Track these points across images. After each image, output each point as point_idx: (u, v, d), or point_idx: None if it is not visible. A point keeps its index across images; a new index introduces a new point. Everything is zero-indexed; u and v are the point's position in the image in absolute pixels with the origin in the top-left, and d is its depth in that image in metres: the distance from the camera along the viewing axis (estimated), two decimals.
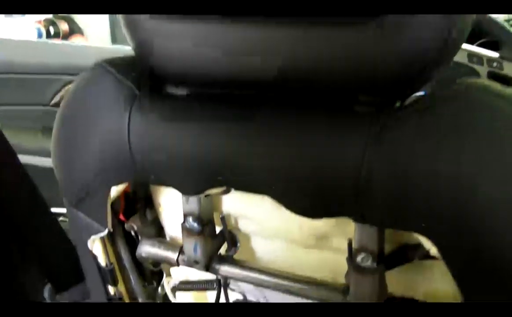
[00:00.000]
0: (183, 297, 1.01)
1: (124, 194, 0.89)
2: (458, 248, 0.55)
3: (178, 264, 0.85)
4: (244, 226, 0.83)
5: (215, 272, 0.83)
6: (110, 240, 0.95)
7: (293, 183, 0.61)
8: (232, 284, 0.91)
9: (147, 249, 0.91)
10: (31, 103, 2.04)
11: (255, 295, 0.93)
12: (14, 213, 1.00)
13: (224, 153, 0.65)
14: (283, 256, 0.82)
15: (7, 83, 2.04)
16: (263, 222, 0.79)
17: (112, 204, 0.84)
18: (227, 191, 0.78)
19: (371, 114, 0.57)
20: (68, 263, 1.07)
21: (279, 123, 0.61)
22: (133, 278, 0.99)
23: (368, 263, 0.67)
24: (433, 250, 0.59)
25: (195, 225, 0.80)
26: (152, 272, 1.06)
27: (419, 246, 0.67)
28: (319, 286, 0.75)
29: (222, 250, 0.85)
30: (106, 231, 0.84)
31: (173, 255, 0.86)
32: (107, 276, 0.94)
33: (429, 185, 0.53)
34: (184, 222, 0.81)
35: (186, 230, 0.81)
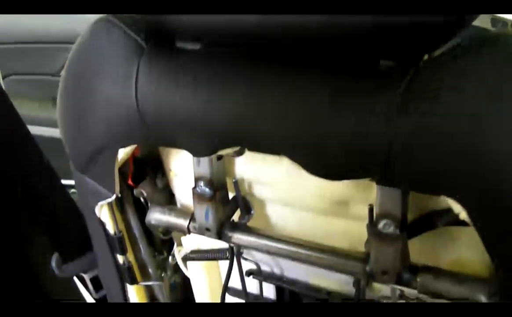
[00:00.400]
0: (194, 267, 1.00)
1: (133, 158, 0.87)
2: (490, 212, 0.53)
3: (189, 232, 0.83)
4: (258, 191, 0.80)
5: (227, 240, 0.81)
6: (118, 207, 0.93)
7: (312, 143, 0.58)
8: (246, 253, 0.90)
9: (157, 215, 0.87)
10: (40, 73, 2.01)
11: (269, 265, 0.92)
12: (23, 183, 0.98)
13: (238, 111, 0.62)
14: (299, 224, 0.80)
15: (15, 53, 2.01)
16: (278, 187, 0.76)
17: (121, 169, 0.82)
18: (240, 152, 0.74)
19: (399, 68, 0.53)
20: (76, 233, 1.06)
21: (298, 79, 0.58)
22: (142, 247, 0.99)
23: (391, 229, 0.64)
24: (463, 215, 0.56)
25: (207, 189, 0.77)
26: (163, 241, 1.04)
27: (446, 212, 0.66)
28: (338, 255, 0.73)
29: (235, 217, 0.83)
30: (113, 197, 0.82)
31: (184, 222, 0.83)
32: (116, 244, 0.92)
33: (464, 144, 0.50)
34: (195, 186, 0.78)
35: (197, 195, 0.78)
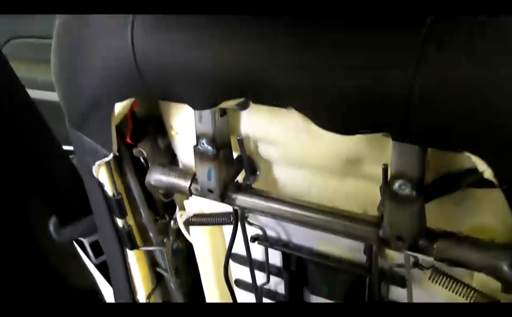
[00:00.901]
0: (197, 232, 0.98)
1: (133, 116, 0.85)
2: None
3: (190, 194, 0.80)
4: (264, 150, 0.78)
5: (231, 202, 0.78)
6: (117, 168, 0.91)
7: (327, 93, 0.54)
8: (251, 218, 0.88)
9: (157, 176, 0.84)
10: (46, 36, 1.98)
11: (276, 230, 0.90)
12: (22, 146, 1.00)
13: (244, 57, 0.58)
14: (308, 186, 0.77)
15: (18, 16, 2.00)
16: (286, 145, 0.73)
17: (119, 127, 0.81)
18: (244, 105, 0.70)
19: (418, 19, 0.50)
20: (74, 196, 1.07)
21: (314, 27, 0.54)
22: (142, 210, 0.98)
23: (407, 191, 0.60)
24: (488, 173, 0.52)
25: (209, 148, 0.74)
26: (164, 205, 1.02)
27: (468, 172, 0.62)
28: (348, 218, 0.69)
29: (240, 179, 0.80)
30: (111, 155, 0.80)
31: (185, 183, 0.80)
32: (115, 207, 0.91)
33: (489, 96, 0.47)
34: (197, 144, 0.75)
35: (199, 154, 0.75)
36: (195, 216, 0.95)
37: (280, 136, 0.73)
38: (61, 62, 0.76)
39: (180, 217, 0.95)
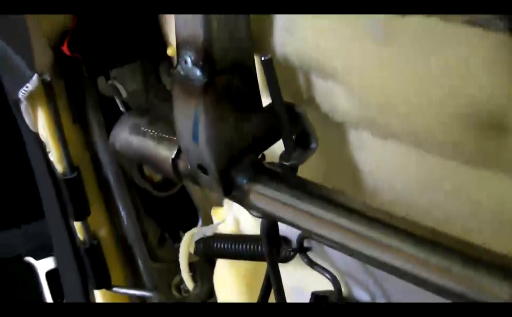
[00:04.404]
0: (223, 271, 0.98)
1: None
2: None
3: (177, 175, 0.76)
4: (323, 94, 0.71)
5: (246, 202, 0.71)
6: (71, 117, 0.93)
7: None
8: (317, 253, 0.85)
9: (125, 133, 0.82)
10: None
11: (360, 280, 0.86)
12: None
13: None
14: (406, 186, 0.73)
15: None
16: (362, 80, 0.66)
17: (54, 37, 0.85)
18: None
19: None
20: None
21: None
22: (122, 206, 0.97)
23: None
24: None
25: (196, 70, 0.67)
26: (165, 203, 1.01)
27: None
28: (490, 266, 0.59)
29: (271, 154, 0.73)
30: (34, 78, 0.83)
31: (167, 151, 0.76)
32: (66, 196, 0.92)
33: None
34: (177, 63, 0.68)
35: (179, 84, 0.69)
36: (213, 238, 0.91)
37: (352, 59, 0.66)
38: None
39: (189, 239, 0.91)
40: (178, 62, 0.67)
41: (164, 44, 0.88)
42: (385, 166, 0.74)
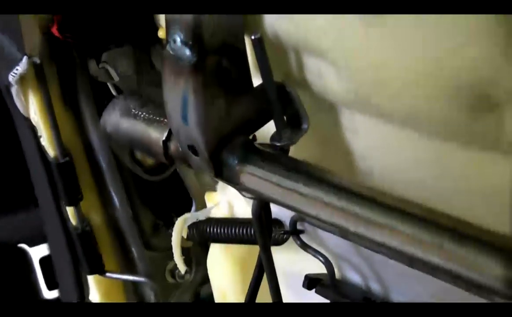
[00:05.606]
0: (215, 258, 1.00)
1: None
2: None
3: (167, 157, 0.77)
4: (315, 72, 0.70)
5: (236, 182, 0.72)
6: (63, 101, 0.93)
7: None
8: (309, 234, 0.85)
9: (116, 116, 0.82)
10: None
11: (353, 263, 0.87)
12: None
13: None
14: (397, 164, 0.73)
15: None
16: (351, 58, 0.66)
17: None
18: None
19: None
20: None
21: None
22: (115, 193, 0.98)
23: None
24: None
25: (186, 49, 0.66)
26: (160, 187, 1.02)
27: None
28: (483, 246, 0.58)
29: (262, 134, 0.73)
30: (24, 61, 0.83)
31: (157, 133, 0.77)
32: (57, 180, 0.92)
33: None
34: (166, 42, 0.68)
35: (169, 63, 0.69)
36: (205, 222, 0.91)
37: (340, 38, 0.66)
38: None
39: (182, 223, 0.91)
40: (167, 41, 0.67)
41: (156, 27, 0.88)
42: (377, 147, 0.74)
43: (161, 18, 0.83)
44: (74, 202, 0.90)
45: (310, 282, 0.84)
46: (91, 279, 0.98)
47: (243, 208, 0.92)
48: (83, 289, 0.99)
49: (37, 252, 1.12)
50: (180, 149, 0.71)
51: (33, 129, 0.89)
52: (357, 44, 0.64)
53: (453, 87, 0.62)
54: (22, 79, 0.85)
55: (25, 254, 1.13)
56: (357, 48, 0.65)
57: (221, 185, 0.92)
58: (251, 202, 0.78)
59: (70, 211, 0.92)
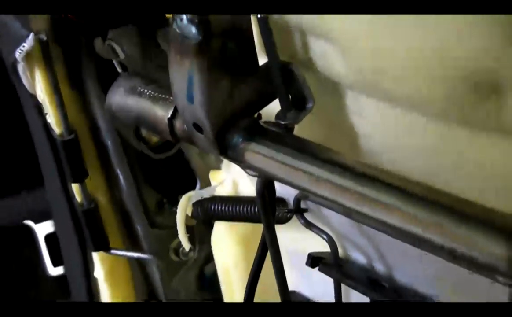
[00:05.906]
0: (220, 236, 0.99)
1: None
2: None
3: (173, 135, 0.77)
4: (319, 54, 0.70)
5: (242, 161, 0.71)
6: (69, 82, 0.93)
7: None
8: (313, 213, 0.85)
9: (121, 94, 0.81)
10: None
11: (357, 243, 0.87)
12: None
13: None
14: (398, 145, 0.74)
15: None
16: (355, 40, 0.66)
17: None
18: None
19: None
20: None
21: None
22: (120, 171, 0.99)
23: None
24: None
25: (192, 27, 0.65)
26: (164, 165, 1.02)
27: None
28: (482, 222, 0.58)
29: (267, 113, 0.72)
30: (31, 37, 0.83)
31: (163, 111, 0.77)
32: (63, 157, 0.93)
33: None
34: (173, 20, 0.67)
35: (175, 43, 0.68)
36: (210, 200, 0.91)
37: (345, 21, 0.65)
38: None
39: (186, 201, 0.90)
40: (174, 19, 0.66)
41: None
42: (381, 129, 0.74)
43: None
44: (80, 179, 0.91)
45: (313, 260, 0.85)
46: (96, 256, 0.99)
47: (247, 187, 0.92)
48: (88, 265, 1.00)
49: (43, 229, 1.12)
50: (186, 127, 0.71)
51: (39, 106, 0.89)
52: (363, 27, 0.64)
53: (456, 74, 0.62)
54: (28, 56, 0.85)
55: (30, 230, 1.13)
56: (362, 30, 0.64)
57: (225, 163, 0.92)
58: (255, 180, 0.77)
59: (75, 188, 0.93)
